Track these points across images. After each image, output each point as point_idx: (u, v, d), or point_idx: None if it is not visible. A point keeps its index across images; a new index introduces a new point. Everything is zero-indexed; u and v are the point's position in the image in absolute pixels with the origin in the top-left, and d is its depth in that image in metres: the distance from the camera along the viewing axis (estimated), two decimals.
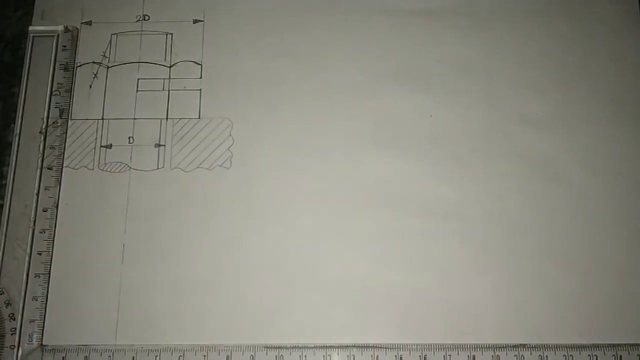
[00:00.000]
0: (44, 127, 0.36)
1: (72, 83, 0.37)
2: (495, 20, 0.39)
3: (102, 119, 0.37)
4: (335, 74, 0.38)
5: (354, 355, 0.32)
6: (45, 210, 0.35)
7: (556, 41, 0.38)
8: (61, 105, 0.37)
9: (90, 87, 0.37)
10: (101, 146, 0.36)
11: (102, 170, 0.36)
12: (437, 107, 0.37)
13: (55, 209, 0.35)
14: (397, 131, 0.36)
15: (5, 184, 0.35)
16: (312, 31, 0.39)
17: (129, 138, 0.36)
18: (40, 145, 0.36)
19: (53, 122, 0.36)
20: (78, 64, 0.38)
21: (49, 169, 0.35)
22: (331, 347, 0.32)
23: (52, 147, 0.36)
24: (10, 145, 0.36)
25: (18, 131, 0.36)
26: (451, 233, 0.34)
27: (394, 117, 0.37)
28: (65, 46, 0.38)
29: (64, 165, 0.36)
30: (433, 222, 0.35)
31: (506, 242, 0.34)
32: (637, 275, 0.34)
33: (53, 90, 0.37)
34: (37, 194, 0.35)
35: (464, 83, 0.37)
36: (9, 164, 0.36)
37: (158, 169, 0.36)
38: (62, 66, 0.38)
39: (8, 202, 0.35)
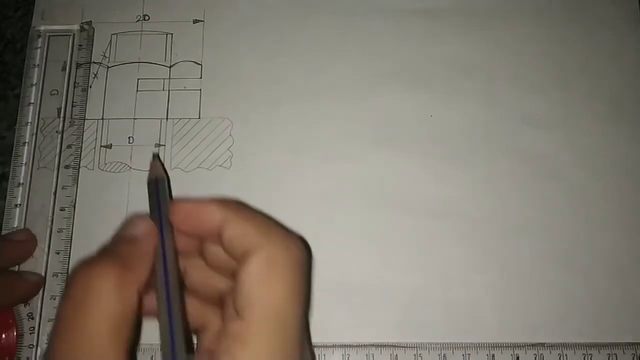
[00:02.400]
0: (43, 126, 0.36)
1: (72, 83, 0.37)
2: (496, 20, 0.39)
3: (102, 119, 0.37)
4: (335, 74, 0.38)
5: (349, 355, 0.32)
6: (62, 210, 0.35)
7: (556, 41, 0.38)
8: (61, 105, 0.37)
9: (90, 87, 0.37)
10: (101, 146, 0.36)
11: (102, 170, 0.36)
12: (437, 107, 0.37)
13: (73, 208, 0.35)
14: (397, 131, 0.36)
15: (23, 184, 0.35)
16: (312, 31, 0.39)
17: (129, 138, 0.36)
18: (35, 145, 0.36)
19: (52, 122, 0.36)
20: (78, 64, 0.38)
21: (66, 167, 0.36)
22: (325, 346, 0.32)
23: (45, 148, 0.36)
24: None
25: (35, 131, 0.36)
26: (451, 233, 0.34)
27: (394, 117, 0.37)
28: (81, 45, 0.38)
29: (62, 165, 0.36)
30: (433, 222, 0.35)
31: (506, 242, 0.34)
32: (637, 275, 0.34)
33: (52, 90, 0.37)
34: (55, 194, 0.35)
35: (464, 83, 0.37)
36: (24, 164, 0.36)
37: None
38: (62, 66, 0.38)
39: (25, 202, 0.35)
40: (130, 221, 0.25)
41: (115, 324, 0.21)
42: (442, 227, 0.34)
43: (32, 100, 0.37)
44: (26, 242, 0.34)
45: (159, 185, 0.28)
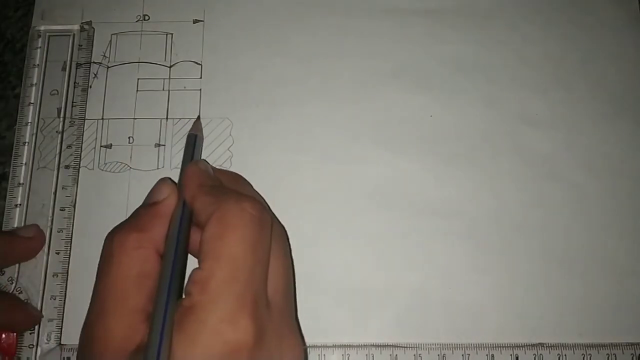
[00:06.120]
0: (43, 126, 0.36)
1: (72, 83, 0.37)
2: (495, 20, 0.39)
3: (102, 119, 0.37)
4: (335, 74, 0.38)
5: (349, 355, 0.32)
6: (62, 210, 0.35)
7: (556, 41, 0.38)
8: (61, 105, 0.37)
9: (90, 87, 0.37)
10: (101, 146, 0.36)
11: (102, 170, 0.36)
12: (437, 107, 0.37)
13: (73, 208, 0.35)
14: (397, 131, 0.36)
15: (23, 184, 0.35)
16: (312, 31, 0.39)
17: (129, 138, 0.36)
18: (35, 145, 0.36)
19: (52, 122, 0.36)
20: (78, 64, 0.38)
21: (66, 167, 0.36)
22: (325, 346, 0.32)
23: (42, 148, 0.36)
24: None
25: (35, 131, 0.36)
26: (451, 233, 0.34)
27: (394, 117, 0.37)
28: (81, 45, 0.38)
29: (62, 165, 0.36)
30: (433, 222, 0.35)
31: (506, 242, 0.34)
32: (636, 275, 0.34)
33: (52, 90, 0.37)
34: (55, 194, 0.35)
35: (464, 83, 0.37)
36: (24, 164, 0.36)
37: (158, 169, 0.36)
38: (62, 66, 0.38)
39: (25, 202, 0.35)
40: (155, 186, 0.29)
41: (136, 278, 0.24)
42: (442, 227, 0.34)
43: (32, 100, 0.37)
44: (34, 239, 0.34)
45: (196, 141, 0.32)
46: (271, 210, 0.31)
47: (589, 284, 0.33)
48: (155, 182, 0.29)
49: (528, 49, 0.38)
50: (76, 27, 0.39)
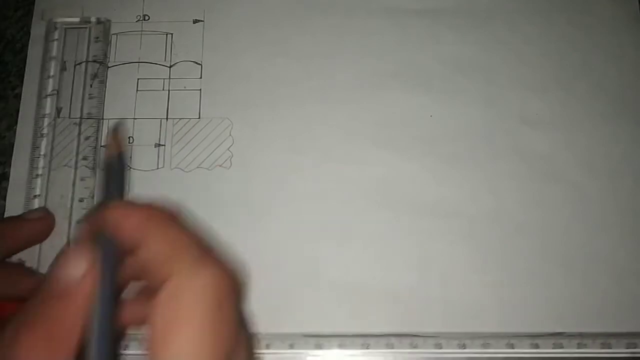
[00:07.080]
0: (43, 126, 0.36)
1: (72, 82, 0.37)
2: (495, 19, 0.39)
3: (102, 119, 0.37)
4: (335, 74, 0.38)
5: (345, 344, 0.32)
6: (81, 201, 0.35)
7: (556, 41, 0.38)
8: (61, 105, 0.37)
9: (91, 87, 0.37)
10: (101, 146, 0.36)
11: (102, 170, 0.36)
12: (437, 107, 0.37)
13: (92, 199, 0.35)
14: (397, 131, 0.36)
15: (40, 176, 0.35)
16: (312, 31, 0.39)
17: (129, 138, 0.36)
18: (35, 145, 0.36)
19: (52, 122, 0.36)
20: (78, 63, 0.38)
21: (84, 159, 0.36)
22: (321, 335, 0.32)
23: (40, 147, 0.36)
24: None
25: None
26: (451, 233, 0.34)
27: (394, 117, 0.37)
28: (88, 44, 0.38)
29: (60, 165, 0.36)
30: (433, 222, 0.35)
31: (506, 242, 0.34)
32: (637, 275, 0.34)
33: (52, 90, 0.37)
34: (73, 185, 0.35)
35: (464, 83, 0.37)
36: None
37: (158, 169, 0.36)
38: (62, 65, 0.38)
39: (44, 194, 0.35)
40: (64, 258, 0.21)
41: None
42: (441, 227, 0.34)
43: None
44: (42, 220, 0.33)
45: (112, 170, 0.23)
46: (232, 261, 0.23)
47: (589, 283, 0.33)
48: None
49: (528, 49, 0.38)
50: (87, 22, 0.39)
